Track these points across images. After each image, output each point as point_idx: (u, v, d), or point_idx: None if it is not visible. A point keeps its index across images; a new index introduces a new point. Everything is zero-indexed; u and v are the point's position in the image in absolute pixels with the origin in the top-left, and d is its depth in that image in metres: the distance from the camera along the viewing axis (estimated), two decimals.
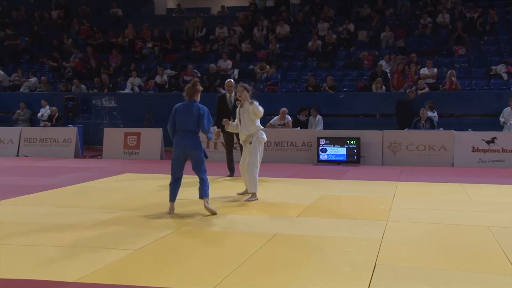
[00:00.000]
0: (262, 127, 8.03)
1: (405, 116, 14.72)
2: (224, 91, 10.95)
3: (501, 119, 14.14)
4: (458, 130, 13.40)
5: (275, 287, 4.23)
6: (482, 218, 6.72)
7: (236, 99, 10.57)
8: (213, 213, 6.87)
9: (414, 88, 15.48)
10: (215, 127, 10.61)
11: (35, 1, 25.03)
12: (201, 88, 7.09)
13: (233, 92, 10.69)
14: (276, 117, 14.65)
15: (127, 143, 14.72)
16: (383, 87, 16.30)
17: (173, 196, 7.06)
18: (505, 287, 4.28)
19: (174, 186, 7.08)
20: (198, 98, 6.99)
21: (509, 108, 14.06)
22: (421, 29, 19.06)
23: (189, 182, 9.84)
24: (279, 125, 14.54)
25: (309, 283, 4.30)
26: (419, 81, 15.93)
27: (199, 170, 6.97)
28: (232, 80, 11.21)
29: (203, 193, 6.92)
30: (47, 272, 4.51)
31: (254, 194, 7.95)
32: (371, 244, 5.43)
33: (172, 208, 7.02)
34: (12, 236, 5.76)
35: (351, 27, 19.51)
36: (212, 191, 8.48)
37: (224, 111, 10.51)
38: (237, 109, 8.22)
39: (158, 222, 6.47)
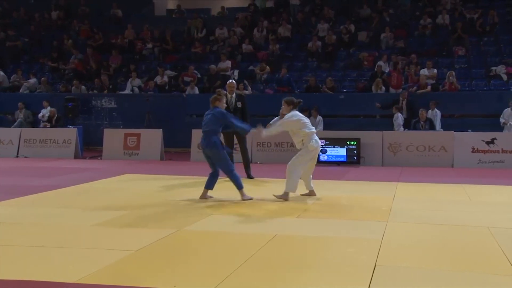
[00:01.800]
0: (311, 132, 7.98)
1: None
2: (225, 92, 10.93)
3: (501, 120, 14.15)
4: (458, 131, 13.41)
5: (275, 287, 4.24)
6: (482, 219, 6.72)
7: (236, 101, 10.59)
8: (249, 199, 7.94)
9: (414, 88, 15.52)
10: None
11: (35, 2, 25.04)
12: (220, 97, 8.12)
13: (234, 93, 10.68)
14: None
15: (127, 144, 14.73)
16: (383, 88, 16.31)
17: (206, 184, 8.04)
18: None
19: (209, 177, 8.04)
20: (219, 104, 8.00)
21: (509, 109, 14.07)
22: (421, 30, 19.07)
23: (190, 183, 9.88)
24: None
25: (309, 283, 4.30)
26: (421, 75, 15.97)
27: (221, 168, 7.97)
28: (233, 81, 11.19)
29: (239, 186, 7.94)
30: (47, 273, 4.51)
31: (286, 195, 7.95)
32: (371, 244, 5.43)
33: (203, 194, 8.00)
34: (12, 237, 5.77)
35: (351, 27, 19.52)
36: (212, 192, 8.51)
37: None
38: None
39: (158, 223, 6.48)
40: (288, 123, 8.02)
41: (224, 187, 9.49)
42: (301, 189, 8.35)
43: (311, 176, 8.31)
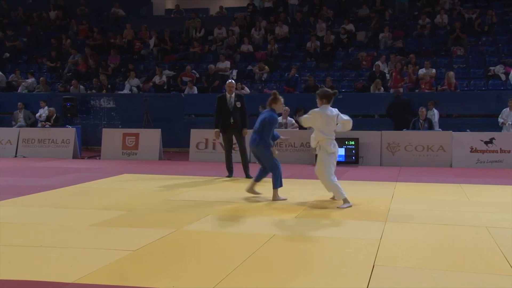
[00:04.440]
0: (329, 136, 7.47)
1: (405, 116, 14.69)
2: (224, 91, 10.92)
3: (500, 120, 14.16)
4: (456, 131, 13.42)
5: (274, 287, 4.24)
6: (480, 219, 6.73)
7: (236, 100, 10.57)
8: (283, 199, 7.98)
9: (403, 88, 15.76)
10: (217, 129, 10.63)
11: (33, 2, 25.01)
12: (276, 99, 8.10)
13: (233, 93, 10.67)
14: (279, 117, 14.67)
15: (125, 143, 14.71)
16: (381, 88, 16.31)
17: (255, 177, 8.33)
18: None
19: (258, 171, 8.33)
20: (274, 106, 8.06)
21: (507, 109, 14.08)
22: (419, 30, 19.08)
23: (188, 183, 9.88)
24: (279, 123, 14.56)
25: (307, 283, 4.30)
26: (420, 74, 16.07)
27: (266, 165, 8.18)
28: (233, 81, 11.17)
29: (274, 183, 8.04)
30: (46, 273, 4.51)
31: (345, 200, 7.45)
32: (369, 244, 5.43)
33: (250, 187, 8.28)
34: (11, 237, 5.76)
35: (350, 27, 19.52)
36: (211, 192, 8.52)
37: (224, 111, 10.49)
38: None
39: (156, 223, 6.47)
40: (305, 121, 7.72)
41: (222, 188, 9.50)
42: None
43: None
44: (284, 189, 8.17)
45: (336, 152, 7.68)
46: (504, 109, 14.19)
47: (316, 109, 7.60)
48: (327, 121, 7.49)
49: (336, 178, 7.58)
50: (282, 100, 8.11)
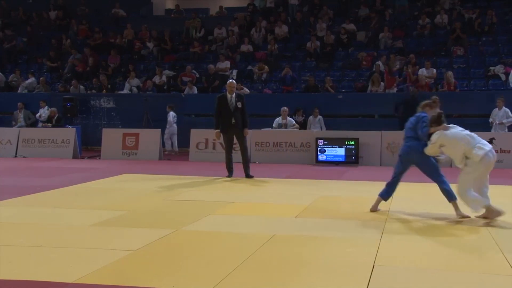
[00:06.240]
0: (476, 143, 7.19)
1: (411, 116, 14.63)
2: (225, 91, 10.90)
3: (490, 120, 14.18)
4: None
5: (274, 287, 4.24)
6: (480, 219, 6.72)
7: (236, 101, 10.55)
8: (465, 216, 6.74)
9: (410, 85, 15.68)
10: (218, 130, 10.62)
11: (33, 2, 25.00)
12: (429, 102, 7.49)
13: (234, 93, 10.66)
14: (279, 117, 14.69)
15: (125, 143, 14.71)
16: (382, 83, 16.26)
17: (381, 192, 7.31)
18: None
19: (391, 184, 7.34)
20: (428, 111, 7.37)
21: (497, 108, 14.11)
22: (419, 30, 19.07)
23: (188, 183, 9.88)
24: (279, 124, 14.58)
25: (307, 283, 4.30)
26: (419, 75, 16.09)
27: (431, 176, 7.26)
28: (233, 81, 11.16)
29: (450, 196, 6.94)
30: (46, 273, 4.51)
31: (486, 207, 6.70)
32: (369, 244, 5.44)
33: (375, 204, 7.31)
34: (11, 237, 5.76)
35: (350, 27, 19.51)
36: (211, 192, 8.51)
37: (224, 112, 10.48)
38: None
39: (156, 223, 6.48)
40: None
41: (222, 188, 9.50)
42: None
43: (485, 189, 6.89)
44: (285, 189, 8.17)
45: (485, 158, 7.08)
46: (494, 109, 14.20)
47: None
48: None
49: (469, 191, 6.72)
50: (434, 105, 7.49)
